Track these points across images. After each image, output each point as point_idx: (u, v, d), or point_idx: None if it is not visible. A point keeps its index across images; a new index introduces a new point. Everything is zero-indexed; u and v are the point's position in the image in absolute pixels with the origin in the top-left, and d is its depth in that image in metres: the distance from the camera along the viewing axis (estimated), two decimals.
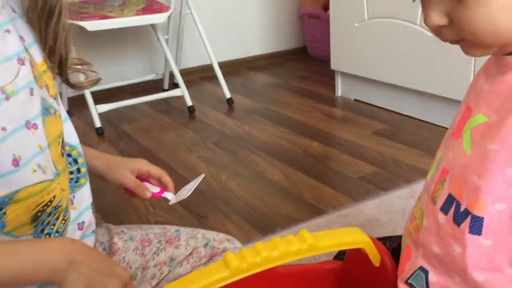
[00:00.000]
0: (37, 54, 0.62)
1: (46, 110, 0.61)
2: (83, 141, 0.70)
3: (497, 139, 0.46)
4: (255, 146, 1.76)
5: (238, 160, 1.67)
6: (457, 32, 0.47)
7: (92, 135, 1.94)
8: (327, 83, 2.35)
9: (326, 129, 1.91)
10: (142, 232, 0.81)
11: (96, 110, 1.96)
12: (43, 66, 0.63)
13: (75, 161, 0.69)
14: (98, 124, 1.95)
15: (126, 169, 0.81)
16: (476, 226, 0.48)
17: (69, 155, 0.68)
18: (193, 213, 1.34)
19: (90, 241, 0.72)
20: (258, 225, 1.28)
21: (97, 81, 0.74)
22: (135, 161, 0.83)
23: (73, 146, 0.69)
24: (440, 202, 0.52)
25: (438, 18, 0.47)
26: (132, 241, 0.80)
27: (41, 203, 0.59)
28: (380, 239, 0.65)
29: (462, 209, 0.49)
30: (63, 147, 0.65)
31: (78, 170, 0.70)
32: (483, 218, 0.48)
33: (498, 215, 0.47)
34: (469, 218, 0.49)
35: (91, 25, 1.89)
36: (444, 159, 0.54)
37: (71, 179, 0.69)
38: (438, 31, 0.49)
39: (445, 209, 0.51)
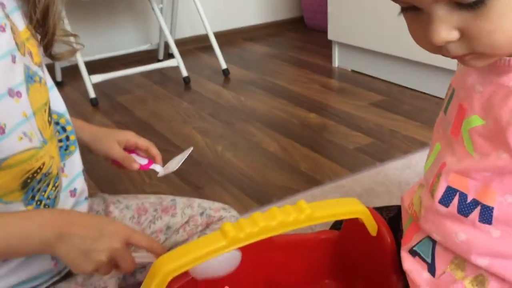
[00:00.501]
0: (20, 21, 0.60)
1: (30, 78, 0.60)
2: (77, 111, 0.69)
3: (505, 148, 0.45)
4: (251, 117, 1.75)
5: (234, 131, 1.66)
6: (468, 46, 0.43)
7: (86, 106, 1.92)
8: (324, 54, 2.33)
9: (323, 100, 1.89)
10: (138, 202, 0.81)
11: (90, 81, 1.94)
12: (26, 33, 0.61)
13: (64, 129, 0.69)
14: (92, 94, 1.93)
15: (113, 141, 0.79)
16: (487, 216, 0.48)
17: (56, 123, 0.67)
18: (190, 184, 1.33)
19: (83, 208, 0.71)
20: (255, 195, 1.28)
21: (75, 51, 0.71)
22: (122, 133, 0.82)
23: (60, 114, 0.68)
24: (439, 195, 0.51)
25: (448, 33, 0.43)
26: (128, 210, 0.80)
27: (30, 170, 0.58)
28: (377, 208, 0.65)
29: (469, 199, 0.49)
30: (50, 115, 0.64)
31: (67, 138, 0.69)
32: (493, 208, 0.47)
33: (508, 207, 0.47)
34: (478, 208, 0.48)
35: None
36: (444, 155, 0.53)
37: (61, 147, 0.68)
38: (440, 47, 0.45)
39: (445, 201, 0.51)
